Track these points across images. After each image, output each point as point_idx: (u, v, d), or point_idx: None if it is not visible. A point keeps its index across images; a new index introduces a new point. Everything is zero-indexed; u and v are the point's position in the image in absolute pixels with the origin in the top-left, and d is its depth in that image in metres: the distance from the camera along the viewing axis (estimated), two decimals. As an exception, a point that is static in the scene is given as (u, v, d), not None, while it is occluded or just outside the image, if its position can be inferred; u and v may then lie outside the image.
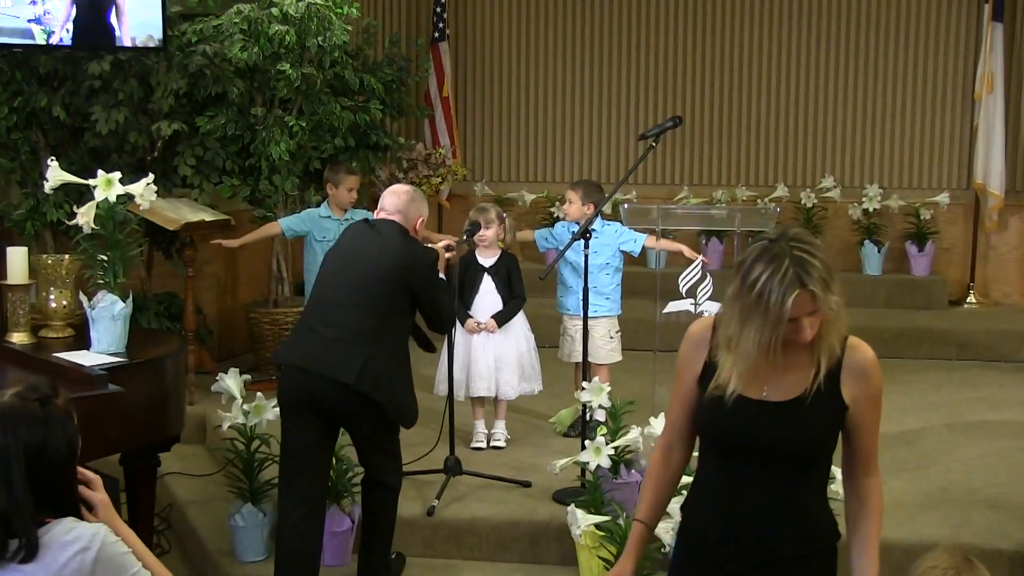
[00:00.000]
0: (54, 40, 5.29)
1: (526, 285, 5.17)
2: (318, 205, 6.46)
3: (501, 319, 5.06)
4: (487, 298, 5.09)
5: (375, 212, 4.03)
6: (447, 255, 4.32)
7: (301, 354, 3.75)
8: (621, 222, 5.24)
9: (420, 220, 3.99)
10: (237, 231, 6.40)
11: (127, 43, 5.41)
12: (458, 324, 4.98)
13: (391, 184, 7.70)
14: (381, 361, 3.72)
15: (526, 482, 4.61)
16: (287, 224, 5.62)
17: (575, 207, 5.15)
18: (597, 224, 5.21)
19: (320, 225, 5.57)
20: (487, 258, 5.12)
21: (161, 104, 5.60)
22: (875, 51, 8.10)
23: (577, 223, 5.09)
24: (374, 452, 3.86)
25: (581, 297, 4.57)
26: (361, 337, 3.71)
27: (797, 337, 2.32)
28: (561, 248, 4.76)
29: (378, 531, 3.90)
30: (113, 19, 5.39)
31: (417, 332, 4.07)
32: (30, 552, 2.16)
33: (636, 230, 5.20)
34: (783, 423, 2.37)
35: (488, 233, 5.06)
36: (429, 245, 4.16)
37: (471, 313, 5.08)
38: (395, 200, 3.95)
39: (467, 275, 5.10)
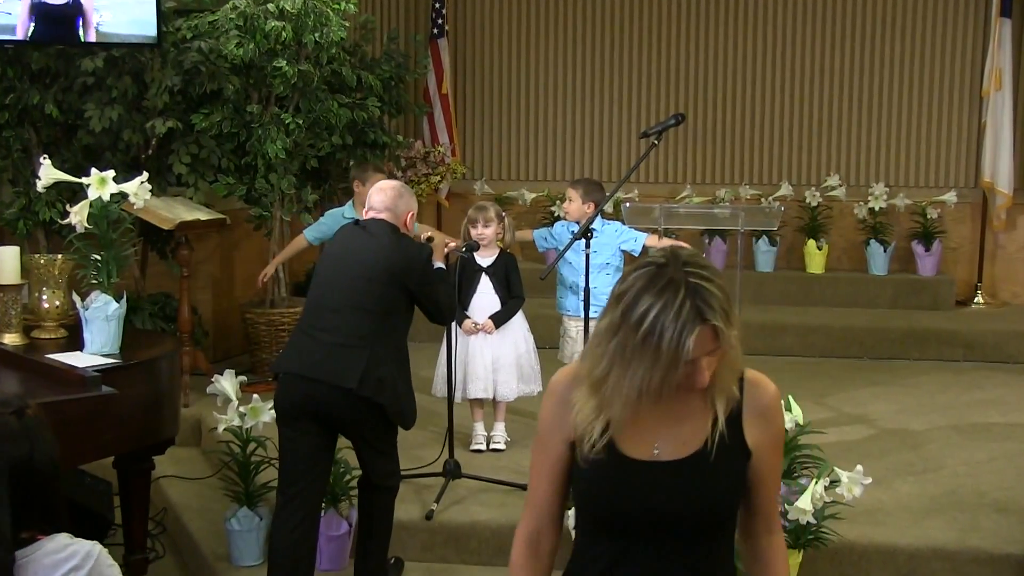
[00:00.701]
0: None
1: (525, 285, 5.17)
2: (316, 205, 6.46)
3: (499, 320, 5.06)
4: (485, 298, 5.09)
5: (364, 211, 4.03)
6: (447, 247, 4.35)
7: (300, 362, 3.74)
8: (622, 221, 5.24)
9: (410, 214, 3.99)
10: (232, 230, 6.40)
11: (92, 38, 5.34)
12: (456, 325, 4.98)
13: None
14: (382, 363, 3.73)
15: (526, 485, 4.59)
16: (312, 235, 5.64)
17: (575, 205, 5.15)
18: (597, 223, 5.20)
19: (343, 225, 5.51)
20: (485, 258, 5.12)
21: (155, 101, 5.60)
22: (881, 47, 8.11)
23: (577, 222, 5.09)
24: (374, 455, 3.85)
25: (581, 297, 4.57)
26: (361, 340, 3.71)
27: (692, 381, 1.93)
28: (561, 248, 4.77)
29: (375, 534, 3.90)
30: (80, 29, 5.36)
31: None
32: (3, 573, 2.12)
33: (638, 229, 5.20)
34: (685, 486, 1.97)
35: (487, 232, 5.06)
36: (426, 237, 4.20)
37: (468, 314, 5.08)
38: (383, 197, 3.95)
39: (464, 275, 5.09)
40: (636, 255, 5.32)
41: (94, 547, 2.23)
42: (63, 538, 2.20)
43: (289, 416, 3.78)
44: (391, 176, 7.52)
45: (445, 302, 4.03)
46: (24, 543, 2.17)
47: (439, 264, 4.21)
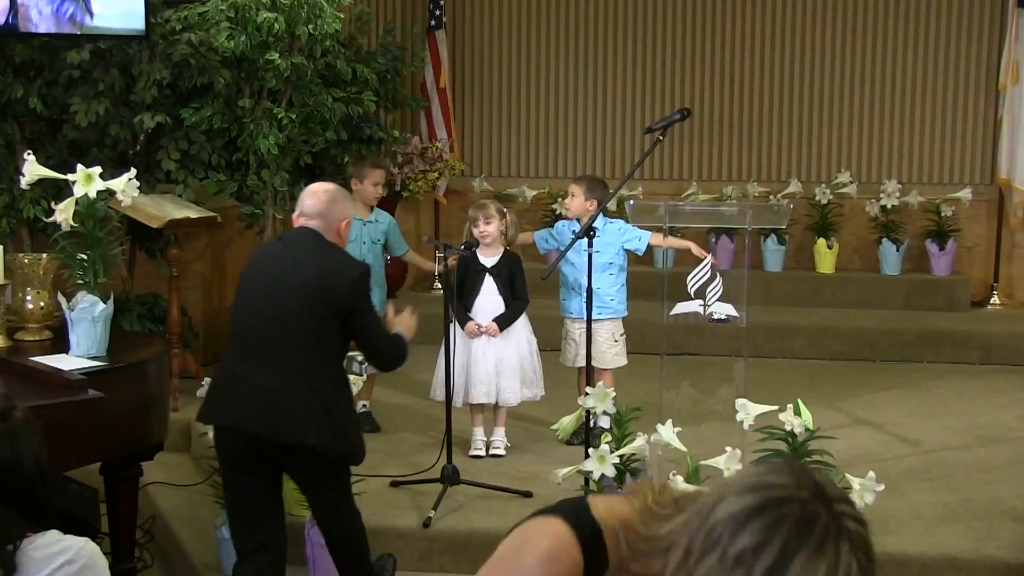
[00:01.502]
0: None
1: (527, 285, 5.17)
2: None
3: (503, 322, 5.05)
4: (488, 300, 5.09)
5: (294, 218, 3.75)
6: (449, 262, 4.29)
7: (237, 413, 3.51)
8: (625, 219, 5.24)
9: (344, 223, 3.69)
10: (223, 228, 6.40)
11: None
12: (457, 326, 4.98)
13: (385, 180, 7.73)
14: (330, 403, 3.52)
15: (527, 492, 4.61)
16: None
17: (577, 201, 5.14)
18: (599, 222, 5.21)
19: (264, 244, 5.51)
20: (488, 257, 5.11)
21: (144, 95, 5.60)
22: (894, 39, 8.10)
23: (578, 220, 5.09)
24: (335, 500, 3.71)
25: (584, 299, 4.57)
26: (306, 383, 3.48)
27: None
28: (563, 248, 4.77)
29: (354, 552, 3.82)
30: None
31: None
32: (8, 571, 2.16)
33: (642, 228, 5.20)
34: None
35: (489, 229, 5.05)
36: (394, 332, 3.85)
37: (471, 315, 5.07)
38: (314, 201, 3.64)
39: (467, 275, 5.10)
40: (641, 254, 5.32)
41: (87, 543, 2.25)
42: (54, 534, 2.23)
43: (231, 468, 3.61)
44: (387, 171, 7.53)
45: (383, 340, 3.70)
46: (14, 538, 2.19)
47: (398, 331, 3.88)
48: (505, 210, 5.19)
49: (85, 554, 2.23)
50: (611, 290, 5.22)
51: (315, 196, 3.67)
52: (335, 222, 3.66)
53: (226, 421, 3.60)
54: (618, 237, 5.21)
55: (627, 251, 5.28)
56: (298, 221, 3.69)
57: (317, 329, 3.51)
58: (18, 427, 2.25)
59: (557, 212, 8.01)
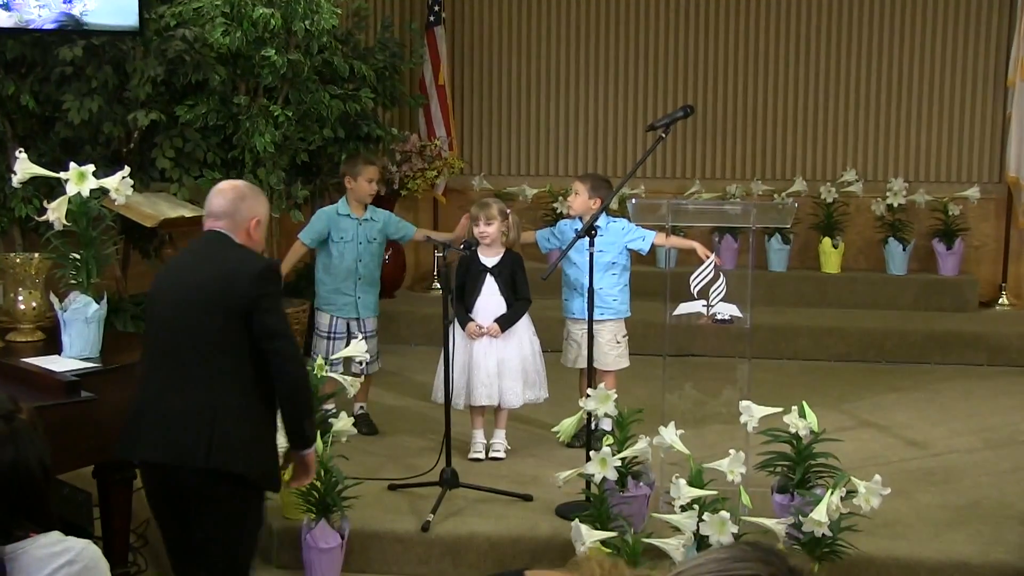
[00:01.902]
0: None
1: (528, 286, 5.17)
2: (306, 201, 6.46)
3: (505, 323, 5.05)
4: (490, 300, 5.09)
5: (204, 219, 3.52)
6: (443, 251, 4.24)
7: (143, 443, 3.31)
8: (628, 218, 5.23)
9: (254, 221, 3.45)
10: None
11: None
12: (458, 327, 4.98)
13: (383, 179, 7.73)
14: (232, 418, 3.24)
15: (527, 495, 4.61)
16: (308, 238, 5.52)
17: (581, 199, 5.14)
18: (602, 221, 5.20)
19: (336, 224, 5.47)
20: (489, 257, 5.11)
21: (137, 92, 5.60)
22: (900, 35, 8.10)
23: (581, 219, 5.09)
24: (223, 548, 3.36)
25: (586, 300, 4.57)
26: (206, 395, 3.24)
27: None
28: (565, 247, 4.77)
29: None
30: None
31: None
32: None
33: (644, 227, 5.20)
34: None
35: (490, 230, 5.05)
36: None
37: (472, 316, 5.07)
38: (220, 201, 3.44)
39: (468, 275, 5.10)
40: (644, 253, 5.31)
41: (89, 545, 2.29)
42: (56, 535, 2.27)
43: (154, 507, 3.41)
44: (385, 169, 7.53)
45: (292, 354, 3.32)
46: (18, 538, 2.23)
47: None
48: (508, 211, 5.19)
49: (86, 556, 2.26)
50: (613, 290, 5.22)
51: (221, 194, 3.46)
52: (243, 222, 3.43)
53: (132, 456, 3.42)
54: (621, 237, 5.21)
55: (630, 251, 5.27)
56: (206, 224, 3.47)
57: (218, 337, 3.25)
58: (23, 429, 2.29)
59: (558, 211, 8.02)
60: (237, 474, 3.26)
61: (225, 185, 3.52)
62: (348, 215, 5.49)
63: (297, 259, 5.67)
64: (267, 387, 3.32)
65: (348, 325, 5.46)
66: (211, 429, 3.21)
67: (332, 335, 5.47)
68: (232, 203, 3.43)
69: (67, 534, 2.34)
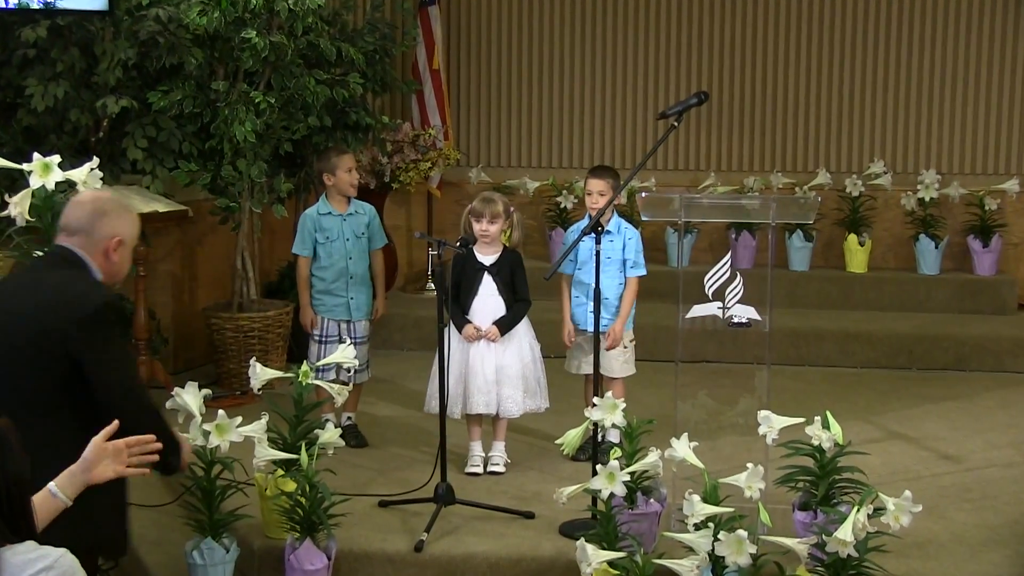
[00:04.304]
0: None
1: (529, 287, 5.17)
2: (289, 195, 6.46)
3: (504, 325, 5.05)
4: (487, 301, 5.09)
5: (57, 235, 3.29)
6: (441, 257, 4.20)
7: None
8: (636, 217, 5.23)
9: (115, 241, 3.22)
10: (195, 224, 6.40)
11: None
12: (454, 331, 4.98)
13: (373, 171, 7.72)
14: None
15: (529, 513, 4.60)
16: (302, 249, 5.51)
17: (606, 200, 5.05)
18: (614, 224, 5.21)
19: (320, 225, 5.50)
20: (487, 255, 5.11)
21: (107, 77, 5.60)
22: (932, 17, 8.10)
23: (600, 224, 5.01)
24: None
25: (592, 309, 4.58)
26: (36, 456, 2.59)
27: None
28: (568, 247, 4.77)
29: None
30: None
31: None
32: None
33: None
34: None
35: (492, 229, 5.05)
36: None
37: (469, 318, 5.07)
38: (77, 213, 3.20)
39: (464, 274, 5.09)
40: (626, 277, 5.28)
41: (66, 554, 2.34)
42: (31, 543, 2.33)
43: None
44: (376, 160, 7.52)
45: (132, 406, 3.01)
46: None
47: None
48: (513, 209, 5.19)
49: (63, 564, 2.31)
50: (619, 301, 5.23)
51: (79, 207, 3.22)
52: (102, 240, 3.18)
53: None
54: (623, 253, 5.22)
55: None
56: (57, 239, 3.24)
57: (42, 384, 2.96)
58: (3, 438, 2.33)
59: (562, 206, 8.02)
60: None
61: (86, 196, 3.31)
62: (330, 213, 5.50)
63: (307, 276, 5.59)
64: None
65: (339, 327, 5.47)
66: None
67: (324, 339, 5.49)
68: (90, 217, 3.18)
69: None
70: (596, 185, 5.20)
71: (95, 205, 3.22)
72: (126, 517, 3.17)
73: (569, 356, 5.34)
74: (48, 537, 2.72)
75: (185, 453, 3.37)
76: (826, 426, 4.06)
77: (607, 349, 5.14)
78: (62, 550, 2.34)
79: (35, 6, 5.38)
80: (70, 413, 2.95)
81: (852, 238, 7.98)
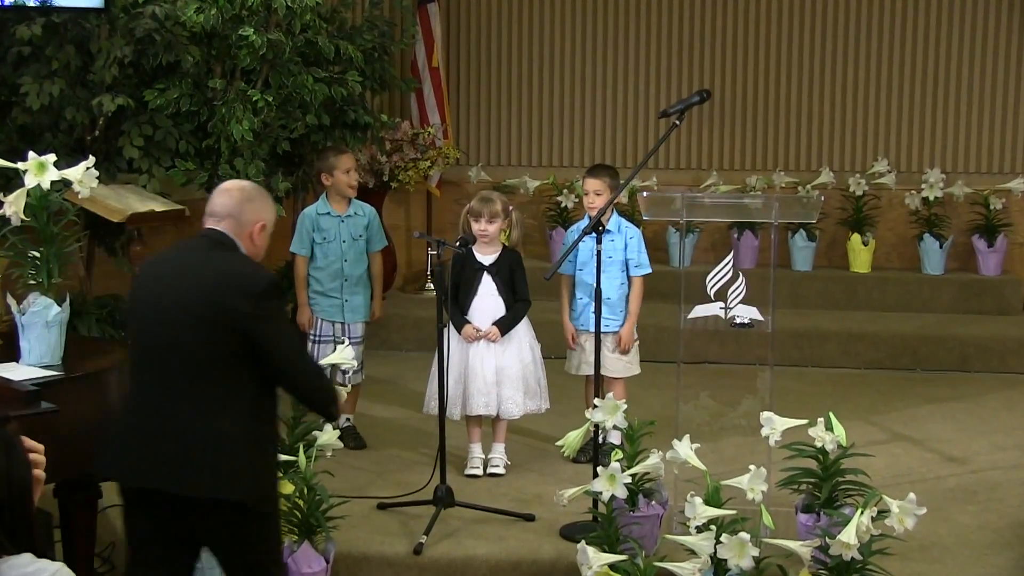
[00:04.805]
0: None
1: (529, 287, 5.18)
2: (287, 195, 6.46)
3: (504, 326, 5.06)
4: (487, 301, 5.10)
5: (204, 219, 3.52)
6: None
7: (128, 466, 3.30)
8: (638, 215, 5.24)
9: (259, 226, 3.47)
10: (192, 223, 6.38)
11: None
12: (453, 331, 4.99)
13: (371, 170, 7.73)
14: (231, 440, 3.24)
15: (529, 515, 4.62)
16: (300, 248, 5.54)
17: (604, 199, 5.07)
18: (614, 223, 5.21)
19: (318, 224, 5.51)
20: (487, 255, 5.12)
21: (103, 75, 5.60)
22: (937, 14, 8.10)
23: (600, 224, 5.02)
24: (251, 557, 3.41)
25: (593, 310, 4.59)
26: (201, 419, 3.22)
27: None
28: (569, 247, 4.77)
29: None
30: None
31: None
32: None
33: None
34: None
35: (491, 229, 5.06)
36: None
37: (468, 318, 5.08)
38: (225, 200, 3.44)
39: (463, 274, 5.10)
40: (630, 277, 5.28)
41: (62, 567, 2.31)
42: (28, 556, 2.30)
43: (138, 537, 3.42)
44: (374, 159, 7.53)
45: (310, 379, 3.41)
46: None
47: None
48: (512, 207, 5.19)
49: None
50: (622, 302, 5.24)
51: (226, 194, 3.46)
52: (248, 225, 3.43)
53: (111, 477, 3.43)
54: (625, 253, 5.22)
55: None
56: (205, 223, 3.47)
57: (216, 354, 3.23)
58: (11, 440, 2.33)
59: (563, 205, 8.02)
60: (236, 501, 3.24)
61: (231, 184, 3.54)
62: (328, 213, 5.52)
63: (303, 275, 5.61)
64: (266, 406, 3.35)
65: (334, 328, 5.48)
66: (200, 450, 3.20)
67: (318, 338, 5.50)
68: (239, 204, 3.43)
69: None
70: (592, 185, 5.21)
71: (242, 193, 3.47)
72: (276, 476, 3.50)
73: (569, 356, 5.35)
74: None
75: (340, 400, 3.75)
76: (829, 428, 4.07)
77: (622, 353, 5.16)
78: (59, 564, 2.31)
79: (30, 3, 5.38)
80: (238, 371, 3.24)
81: (856, 238, 7.98)
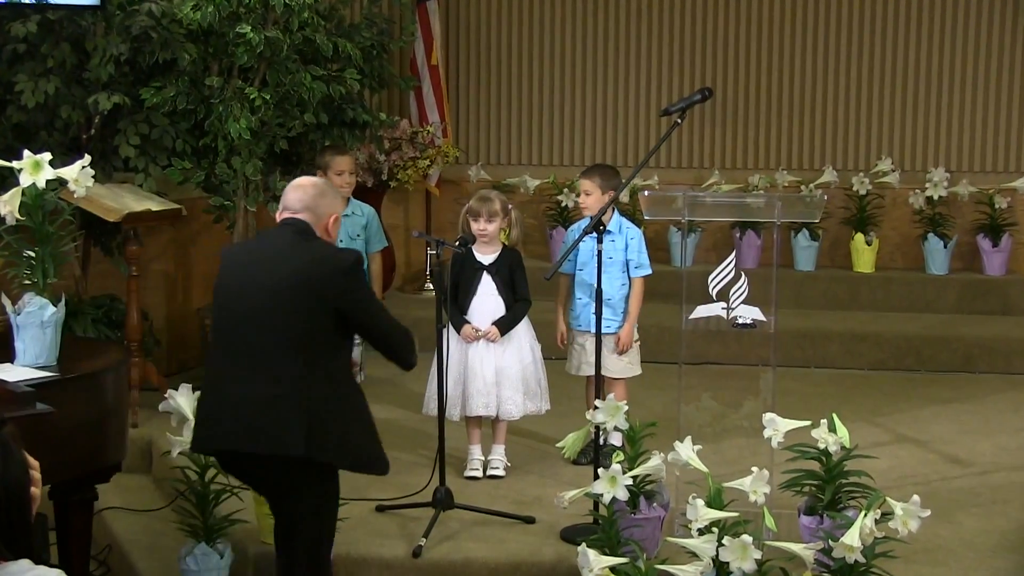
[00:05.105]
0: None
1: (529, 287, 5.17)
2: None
3: (504, 326, 5.06)
4: (487, 301, 5.10)
5: (278, 213, 3.83)
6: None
7: (222, 433, 3.63)
8: (640, 217, 5.23)
9: (332, 218, 3.78)
10: (189, 223, 6.39)
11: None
12: (453, 332, 4.98)
13: (370, 168, 7.73)
14: (325, 406, 3.58)
15: (529, 518, 4.61)
16: None
17: (594, 199, 5.11)
18: (615, 223, 5.21)
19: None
20: (486, 255, 5.12)
21: (99, 73, 5.60)
22: (940, 14, 8.09)
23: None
24: (314, 517, 3.75)
25: (594, 310, 4.59)
26: (288, 385, 3.54)
27: None
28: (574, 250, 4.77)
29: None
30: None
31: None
32: None
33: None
34: None
35: (490, 228, 5.06)
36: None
37: (468, 318, 5.08)
38: (300, 195, 3.75)
39: (463, 274, 5.10)
40: (631, 278, 5.27)
41: (61, 574, 2.26)
42: (26, 562, 2.27)
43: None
44: (373, 158, 7.53)
45: (395, 332, 3.79)
46: None
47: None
48: (511, 207, 5.19)
49: None
50: (622, 303, 5.23)
51: (300, 189, 3.78)
52: (323, 217, 3.75)
53: (208, 447, 3.78)
54: (626, 253, 5.22)
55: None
56: (281, 216, 3.78)
57: (307, 327, 3.57)
58: (8, 443, 2.30)
59: (563, 205, 8.02)
60: (327, 463, 3.61)
61: (304, 180, 3.85)
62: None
63: None
64: (346, 372, 3.71)
65: None
66: (305, 418, 3.50)
67: None
68: (313, 198, 3.74)
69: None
70: (582, 184, 5.25)
71: (315, 188, 3.80)
72: (379, 439, 3.78)
73: (570, 357, 5.34)
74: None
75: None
76: (832, 429, 4.06)
77: (619, 353, 5.15)
78: (57, 570, 2.27)
79: (25, 0, 5.38)
80: (331, 343, 3.62)
81: (859, 237, 7.98)
